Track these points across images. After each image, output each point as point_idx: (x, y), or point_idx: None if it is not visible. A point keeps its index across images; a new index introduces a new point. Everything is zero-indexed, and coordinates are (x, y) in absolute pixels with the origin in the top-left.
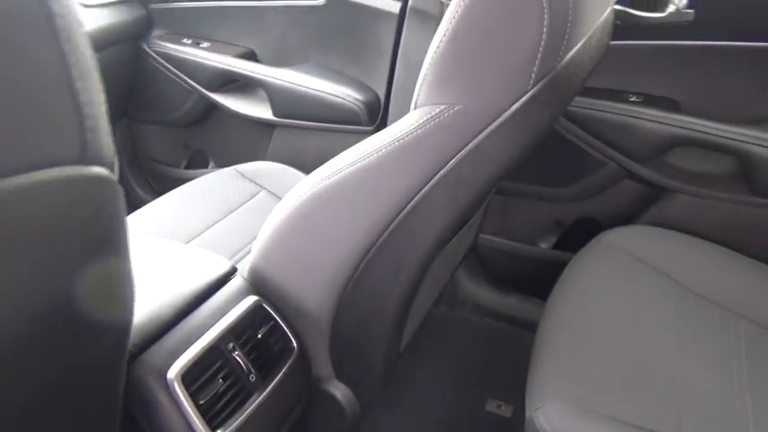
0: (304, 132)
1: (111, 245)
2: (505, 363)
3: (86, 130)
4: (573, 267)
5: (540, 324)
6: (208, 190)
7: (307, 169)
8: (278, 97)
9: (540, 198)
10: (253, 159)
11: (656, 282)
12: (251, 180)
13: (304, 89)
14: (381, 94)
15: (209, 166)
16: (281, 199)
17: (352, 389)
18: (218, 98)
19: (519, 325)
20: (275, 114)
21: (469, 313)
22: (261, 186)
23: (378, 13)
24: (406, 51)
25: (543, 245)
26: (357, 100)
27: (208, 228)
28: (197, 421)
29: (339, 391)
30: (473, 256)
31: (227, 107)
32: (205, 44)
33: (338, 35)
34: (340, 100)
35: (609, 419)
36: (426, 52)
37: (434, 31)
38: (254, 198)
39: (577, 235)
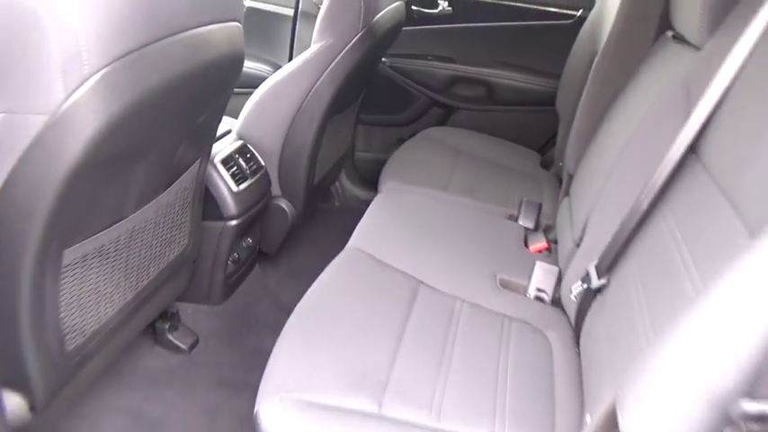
0: (239, 97)
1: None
2: None
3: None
4: (400, 151)
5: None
6: None
7: None
8: None
9: (388, 124)
10: None
11: (447, 151)
12: None
13: None
14: None
15: None
16: None
17: (290, 201)
18: None
19: None
20: None
21: (353, 205)
22: None
23: (280, 17)
24: (300, 40)
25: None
26: (270, 72)
27: None
28: (230, 179)
29: (284, 203)
30: (352, 168)
31: None
32: None
33: (255, 32)
34: (260, 72)
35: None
36: (312, 38)
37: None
38: None
39: None
